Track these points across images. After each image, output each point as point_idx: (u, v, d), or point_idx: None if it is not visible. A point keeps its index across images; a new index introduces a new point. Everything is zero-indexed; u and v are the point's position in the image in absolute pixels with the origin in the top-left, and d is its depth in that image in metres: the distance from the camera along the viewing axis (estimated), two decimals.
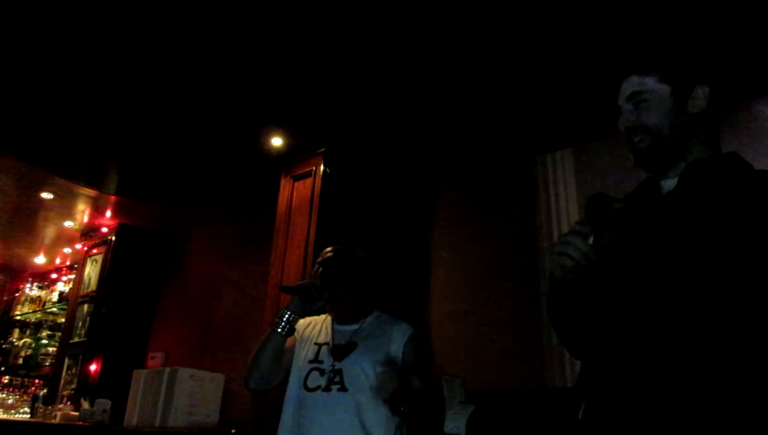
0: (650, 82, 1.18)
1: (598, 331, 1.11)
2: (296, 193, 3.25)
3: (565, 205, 2.92)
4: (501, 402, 2.49)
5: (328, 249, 1.99)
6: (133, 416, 3.42)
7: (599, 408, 1.05)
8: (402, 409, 1.60)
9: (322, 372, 1.80)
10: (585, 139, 2.92)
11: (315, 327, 1.97)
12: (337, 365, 1.80)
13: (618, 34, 2.22)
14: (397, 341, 1.83)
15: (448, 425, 2.18)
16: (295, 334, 1.90)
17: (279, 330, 1.81)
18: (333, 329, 1.92)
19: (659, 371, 0.99)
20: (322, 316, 2.00)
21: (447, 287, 3.21)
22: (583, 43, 2.30)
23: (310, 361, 1.85)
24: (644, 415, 0.97)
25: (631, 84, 1.21)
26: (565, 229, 2.85)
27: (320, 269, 1.91)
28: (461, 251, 3.23)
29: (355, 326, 1.91)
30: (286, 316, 1.82)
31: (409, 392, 1.60)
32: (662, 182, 1.20)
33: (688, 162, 1.16)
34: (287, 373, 1.89)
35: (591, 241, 1.05)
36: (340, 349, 1.84)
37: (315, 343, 1.90)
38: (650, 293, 1.04)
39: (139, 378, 3.53)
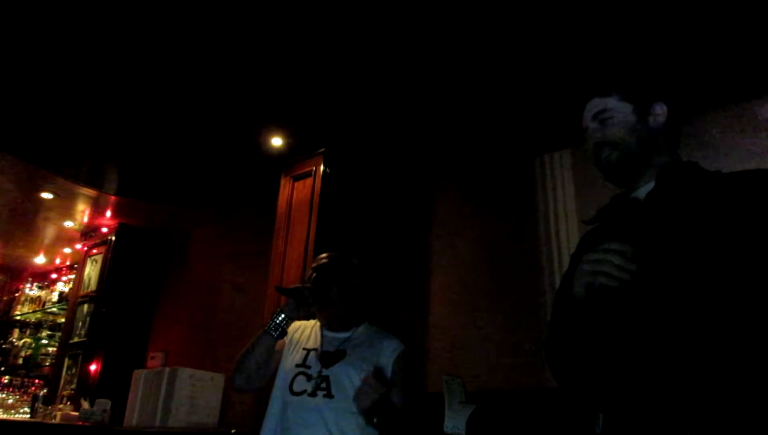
0: (612, 102, 1.26)
1: (617, 344, 1.07)
2: (296, 193, 3.25)
3: (563, 206, 2.92)
4: (501, 402, 2.49)
5: (323, 255, 1.99)
6: (133, 416, 3.42)
7: (621, 422, 1.03)
8: (375, 420, 1.61)
9: (308, 377, 1.80)
10: (584, 139, 2.92)
11: (304, 332, 1.96)
12: (325, 372, 1.80)
13: (614, 35, 2.22)
14: (387, 356, 1.83)
15: (448, 425, 2.18)
16: (285, 337, 1.90)
17: (271, 332, 1.81)
18: (322, 335, 1.92)
19: (681, 384, 0.96)
20: (312, 322, 2.00)
21: (446, 287, 3.21)
22: (581, 43, 2.30)
23: (297, 365, 1.85)
24: (668, 429, 0.96)
25: (594, 105, 1.28)
26: (564, 229, 2.86)
27: (314, 275, 1.91)
28: (460, 251, 3.23)
29: (345, 334, 1.91)
30: (279, 318, 1.81)
31: (386, 405, 1.61)
32: (633, 195, 1.23)
33: (655, 171, 1.20)
34: (274, 375, 1.89)
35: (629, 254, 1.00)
36: (328, 356, 1.84)
37: (303, 348, 1.89)
38: (665, 304, 1.03)
39: (139, 378, 3.53)
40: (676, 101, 1.27)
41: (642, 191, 1.21)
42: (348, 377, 1.77)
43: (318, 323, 1.97)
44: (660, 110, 1.24)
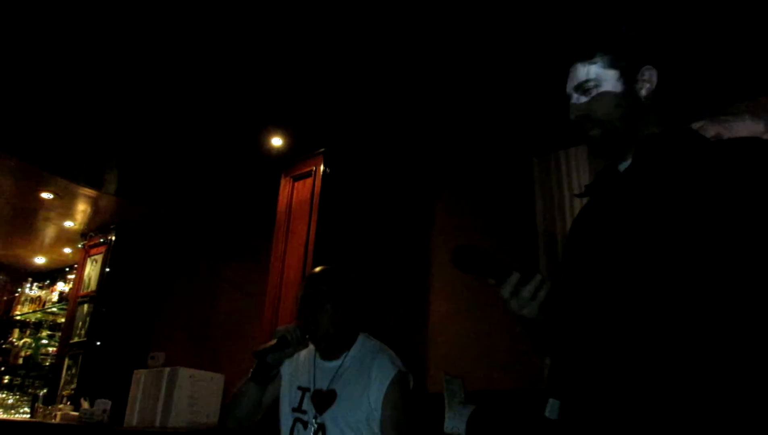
0: (596, 69, 1.15)
1: (574, 326, 1.07)
2: (296, 193, 3.25)
3: (562, 206, 2.92)
4: (501, 402, 2.49)
5: (310, 275, 1.90)
6: (133, 416, 3.42)
7: (579, 408, 1.02)
8: None
9: (305, 424, 1.76)
10: (582, 139, 2.92)
11: (297, 361, 1.88)
12: (320, 419, 1.74)
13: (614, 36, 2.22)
14: (377, 388, 1.73)
15: (448, 425, 2.18)
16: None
17: (258, 381, 1.76)
18: (315, 366, 1.84)
19: (639, 367, 0.95)
20: (307, 350, 1.88)
21: (446, 287, 3.21)
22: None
23: (294, 410, 1.80)
24: (629, 415, 0.94)
25: (578, 72, 1.18)
26: (563, 229, 2.86)
27: (304, 293, 1.83)
28: None
29: (337, 362, 1.82)
30: (265, 366, 1.75)
31: None
32: (620, 166, 1.17)
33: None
34: (269, 408, 1.85)
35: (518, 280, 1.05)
36: (321, 399, 1.78)
37: (298, 387, 1.83)
38: (619, 282, 1.01)
39: (139, 378, 3.53)
40: (668, 63, 1.16)
41: (625, 165, 1.16)
42: (344, 421, 1.72)
43: (312, 352, 1.87)
44: (648, 75, 1.14)
